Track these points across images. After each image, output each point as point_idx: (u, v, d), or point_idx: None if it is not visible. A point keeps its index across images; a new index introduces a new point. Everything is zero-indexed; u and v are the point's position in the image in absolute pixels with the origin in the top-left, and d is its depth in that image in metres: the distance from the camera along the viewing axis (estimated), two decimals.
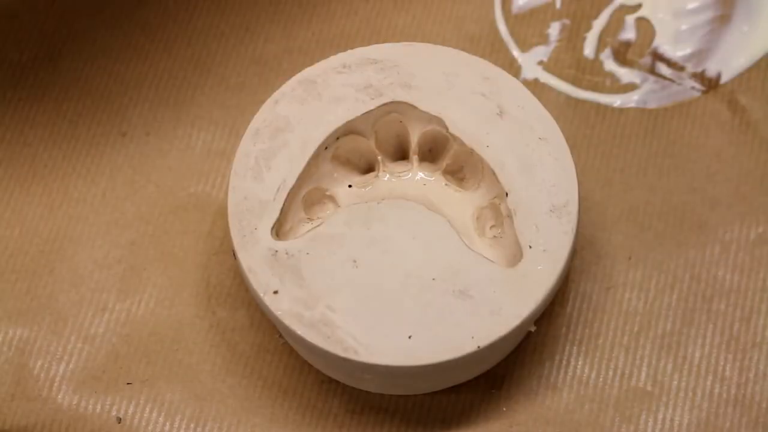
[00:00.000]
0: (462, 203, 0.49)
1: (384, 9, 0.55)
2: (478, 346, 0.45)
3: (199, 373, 0.50)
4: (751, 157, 0.52)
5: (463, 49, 0.50)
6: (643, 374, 0.49)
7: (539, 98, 0.49)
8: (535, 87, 0.54)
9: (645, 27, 0.55)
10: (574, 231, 0.47)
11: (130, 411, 0.49)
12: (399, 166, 0.49)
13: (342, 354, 0.45)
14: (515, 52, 0.55)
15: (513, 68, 0.54)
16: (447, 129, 0.48)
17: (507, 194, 0.47)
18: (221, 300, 0.51)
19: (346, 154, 0.49)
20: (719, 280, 0.51)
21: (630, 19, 0.55)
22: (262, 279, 0.46)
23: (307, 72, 0.49)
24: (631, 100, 0.54)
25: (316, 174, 0.49)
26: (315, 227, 0.47)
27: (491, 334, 0.45)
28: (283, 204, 0.47)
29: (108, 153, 0.53)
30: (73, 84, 0.54)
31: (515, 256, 0.47)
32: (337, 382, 0.50)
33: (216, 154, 0.53)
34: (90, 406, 0.49)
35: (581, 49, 0.54)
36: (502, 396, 0.49)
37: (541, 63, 0.54)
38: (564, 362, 0.50)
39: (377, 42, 0.53)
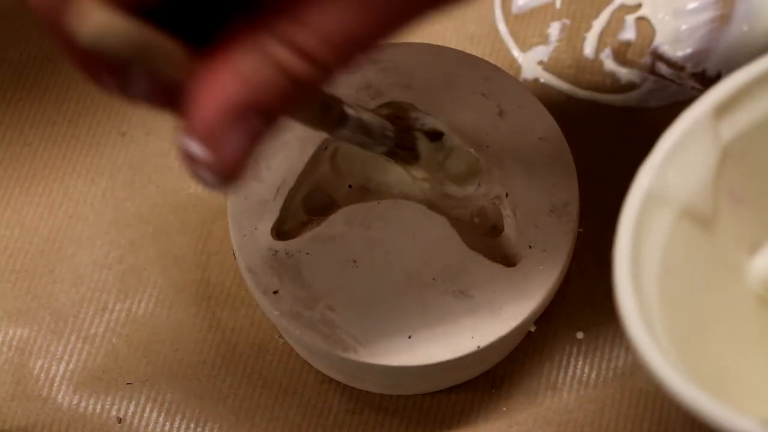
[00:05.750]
0: (462, 203, 0.48)
1: None
2: (478, 346, 0.45)
3: (199, 373, 0.50)
4: None
5: (463, 49, 0.50)
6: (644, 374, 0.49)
7: (539, 98, 0.49)
8: (535, 87, 0.54)
9: (645, 27, 0.55)
10: (574, 231, 0.47)
11: (130, 411, 0.49)
12: (399, 166, 0.49)
13: (342, 354, 0.45)
14: (515, 52, 0.55)
15: (513, 68, 0.54)
16: (447, 129, 0.48)
17: (507, 194, 0.47)
18: (221, 300, 0.51)
19: (346, 154, 0.49)
20: None
21: (630, 19, 0.55)
22: (262, 279, 0.46)
23: None
24: (631, 100, 0.54)
25: (316, 174, 0.49)
26: (315, 227, 0.47)
27: (491, 334, 0.45)
28: (283, 204, 0.47)
29: (108, 153, 0.53)
30: (73, 84, 0.54)
31: (515, 256, 0.47)
32: (337, 382, 0.50)
33: None
34: (90, 406, 0.49)
35: (581, 49, 0.54)
36: (502, 396, 0.49)
37: (541, 63, 0.54)
38: (564, 362, 0.50)
39: None
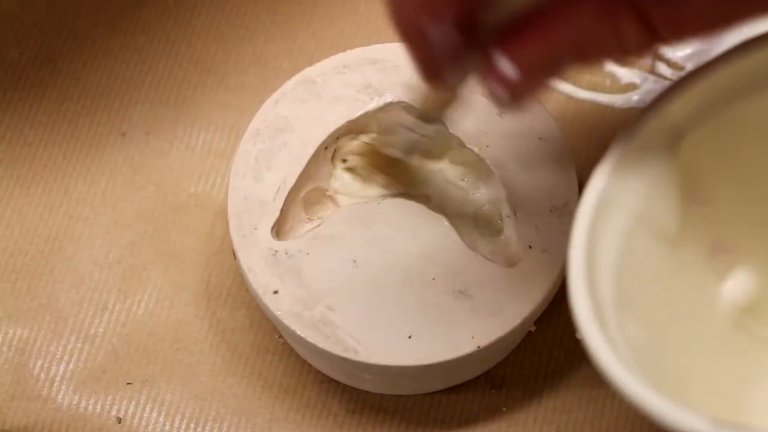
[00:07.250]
0: (462, 203, 0.49)
1: (384, 9, 0.55)
2: (478, 346, 0.45)
3: (199, 373, 0.50)
4: None
5: None
6: None
7: (539, 98, 0.49)
8: None
9: None
10: None
11: (130, 411, 0.49)
12: (399, 166, 0.49)
13: (342, 354, 0.45)
14: None
15: None
16: (447, 129, 0.48)
17: (507, 194, 0.47)
18: (221, 300, 0.51)
19: (346, 154, 0.49)
20: None
21: None
22: (262, 279, 0.46)
23: (307, 72, 0.49)
24: (631, 100, 0.54)
25: (316, 174, 0.49)
26: (315, 227, 0.47)
27: (491, 334, 0.45)
28: (283, 204, 0.47)
29: (108, 153, 0.53)
30: (73, 84, 0.54)
31: (515, 256, 0.47)
32: (337, 382, 0.50)
33: (216, 154, 0.53)
34: (90, 406, 0.49)
35: None
36: (502, 396, 0.49)
37: None
38: (564, 362, 0.50)
39: (377, 42, 0.53)
